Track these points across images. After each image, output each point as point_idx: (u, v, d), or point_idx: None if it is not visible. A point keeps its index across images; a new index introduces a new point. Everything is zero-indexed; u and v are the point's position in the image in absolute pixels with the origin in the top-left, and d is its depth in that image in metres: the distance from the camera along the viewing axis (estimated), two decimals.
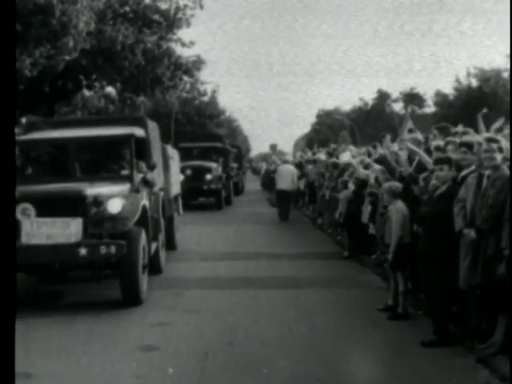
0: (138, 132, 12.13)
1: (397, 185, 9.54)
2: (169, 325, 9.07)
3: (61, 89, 33.86)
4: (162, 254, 13.17)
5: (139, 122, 12.78)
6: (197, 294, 11.10)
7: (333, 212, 16.21)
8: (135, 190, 11.16)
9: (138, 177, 11.52)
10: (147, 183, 11.93)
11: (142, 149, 12.16)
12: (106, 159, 12.57)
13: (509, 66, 45.37)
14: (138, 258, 10.18)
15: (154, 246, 11.89)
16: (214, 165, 29.95)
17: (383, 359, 7.53)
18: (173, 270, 13.20)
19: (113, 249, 9.65)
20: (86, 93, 37.72)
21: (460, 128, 10.31)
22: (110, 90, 39.09)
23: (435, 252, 7.87)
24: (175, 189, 16.53)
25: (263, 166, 50.23)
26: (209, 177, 28.93)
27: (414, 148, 9.79)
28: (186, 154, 29.57)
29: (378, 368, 7.25)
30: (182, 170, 27.29)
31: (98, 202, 10.08)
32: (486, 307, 7.26)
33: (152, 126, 13.45)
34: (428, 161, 9.19)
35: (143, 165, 11.99)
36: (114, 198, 10.13)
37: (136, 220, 10.43)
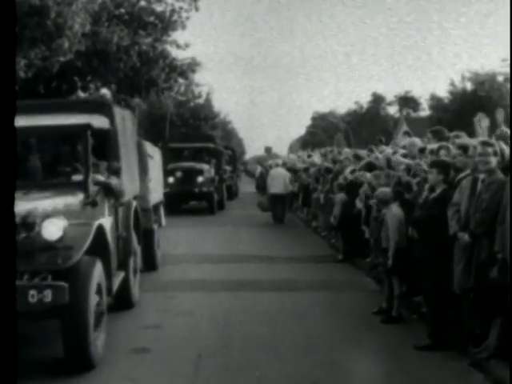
0: (99, 122, 8.97)
1: (385, 192, 9.50)
2: (162, 327, 9.05)
3: (55, 90, 33.79)
4: (135, 284, 10.47)
5: (101, 109, 9.44)
6: (190, 296, 11.07)
7: (327, 215, 16.21)
8: (90, 203, 8.09)
9: (95, 184, 8.49)
10: (110, 192, 8.95)
11: (105, 145, 9.28)
12: (54, 159, 9.48)
13: (503, 69, 45.53)
14: (87, 305, 7.15)
15: (119, 277, 9.17)
16: (205, 166, 28.34)
17: (377, 362, 7.53)
18: (166, 273, 13.19)
19: (48, 295, 6.71)
20: (81, 94, 37.66)
21: (454, 133, 10.32)
22: (104, 91, 39.09)
23: (430, 255, 7.88)
24: (156, 196, 13.90)
25: (258, 169, 50.18)
26: (200, 179, 27.44)
27: (405, 160, 9.80)
28: (176, 155, 28.68)
29: (372, 371, 7.26)
30: (172, 172, 26.70)
31: (29, 223, 6.96)
32: (479, 311, 7.26)
33: (121, 115, 10.24)
34: (421, 169, 9.17)
35: (105, 166, 9.16)
36: (52, 217, 7.01)
37: (87, 248, 7.30)
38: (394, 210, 9.18)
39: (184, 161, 28.72)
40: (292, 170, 25.61)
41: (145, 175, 12.43)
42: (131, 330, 8.89)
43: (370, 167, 12.12)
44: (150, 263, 13.10)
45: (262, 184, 38.41)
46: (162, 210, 15.27)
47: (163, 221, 15.27)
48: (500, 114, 9.82)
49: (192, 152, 30.17)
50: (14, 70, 3.73)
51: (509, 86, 39.06)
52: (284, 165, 26.99)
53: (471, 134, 10.16)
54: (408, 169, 10.06)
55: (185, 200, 28.48)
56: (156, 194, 13.91)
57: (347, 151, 19.00)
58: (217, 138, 35.51)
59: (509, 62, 32.40)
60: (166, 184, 24.30)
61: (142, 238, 11.56)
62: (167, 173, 25.37)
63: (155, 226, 13.55)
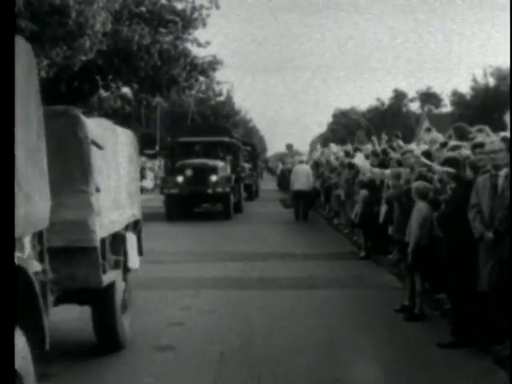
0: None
1: (426, 186, 9.34)
2: (185, 324, 9.06)
3: (77, 90, 33.99)
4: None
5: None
6: (212, 294, 11.09)
7: (349, 212, 16.17)
8: None
9: None
10: None
11: None
12: None
13: None
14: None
15: None
16: (220, 163, 24.92)
17: (400, 360, 7.50)
18: (187, 271, 13.21)
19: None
20: (103, 93, 37.83)
21: (476, 127, 10.19)
22: (126, 90, 39.23)
23: (454, 253, 7.83)
24: (116, 218, 7.59)
25: (279, 166, 50.11)
26: (214, 178, 23.87)
27: (427, 162, 9.70)
28: (186, 151, 26.02)
29: (394, 368, 7.23)
30: (181, 170, 23.94)
31: None
32: (502, 308, 7.21)
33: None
34: (439, 170, 9.08)
35: None
36: None
37: None
38: (421, 207, 9.10)
39: (195, 157, 25.51)
40: (316, 165, 25.42)
41: (82, 181, 6.58)
42: (155, 327, 8.91)
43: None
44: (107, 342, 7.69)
45: (283, 181, 38.32)
46: (133, 243, 8.34)
47: (134, 261, 8.36)
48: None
49: (205, 147, 26.63)
50: (14, 71, 3.73)
51: None
52: (309, 161, 26.69)
53: (495, 129, 10.02)
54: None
55: (196, 203, 25.71)
56: (116, 213, 7.62)
57: (369, 147, 18.91)
58: (231, 129, 32.05)
59: None
60: (174, 184, 23.56)
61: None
62: (176, 171, 24.31)
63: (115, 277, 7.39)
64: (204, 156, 25.70)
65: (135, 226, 8.83)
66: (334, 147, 24.52)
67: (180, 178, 23.82)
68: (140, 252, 8.96)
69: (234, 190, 25.12)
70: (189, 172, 23.90)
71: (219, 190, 23.85)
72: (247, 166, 34.50)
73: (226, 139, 26.90)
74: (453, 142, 9.79)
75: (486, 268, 7.24)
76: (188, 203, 24.71)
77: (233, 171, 25.99)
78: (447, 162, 8.14)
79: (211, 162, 24.76)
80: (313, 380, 6.94)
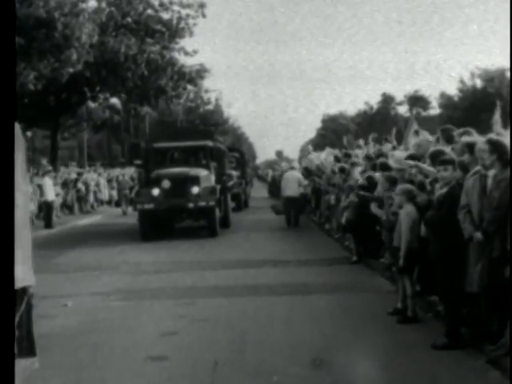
0: None
1: (412, 188, 9.38)
2: (178, 334, 9.06)
3: (65, 101, 34.02)
4: None
5: None
6: (206, 302, 11.09)
7: (340, 217, 16.19)
8: None
9: None
10: None
11: None
12: None
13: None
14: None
15: None
16: (203, 172, 21.56)
17: (394, 362, 7.51)
18: (181, 279, 13.21)
19: None
20: (91, 105, 37.88)
21: (461, 130, 10.24)
22: (114, 101, 39.30)
23: (444, 254, 7.86)
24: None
25: (269, 173, 50.10)
26: (196, 190, 20.58)
27: (412, 163, 9.75)
28: (163, 159, 22.98)
29: (389, 371, 7.24)
30: (157, 182, 20.70)
31: None
32: (495, 308, 7.24)
33: None
34: (430, 170, 9.13)
35: None
36: None
37: None
38: (409, 210, 9.14)
39: (173, 165, 22.37)
40: (307, 171, 25.33)
41: None
42: (148, 337, 8.90)
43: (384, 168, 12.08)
44: None
45: (274, 188, 38.29)
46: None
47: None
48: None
49: (184, 153, 23.43)
50: (15, 73, 3.74)
51: None
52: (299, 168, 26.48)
53: (483, 131, 10.06)
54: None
55: (175, 219, 22.03)
56: None
57: (358, 152, 18.97)
58: (214, 133, 27.59)
59: None
60: (149, 198, 20.25)
61: None
62: (151, 182, 21.05)
63: None
64: (183, 164, 22.30)
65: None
66: (323, 154, 24.52)
67: (156, 191, 20.51)
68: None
69: (219, 203, 21.59)
70: (166, 183, 20.56)
71: (202, 203, 20.44)
72: (235, 173, 30.96)
73: (209, 143, 22.94)
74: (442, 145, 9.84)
75: (476, 269, 7.28)
76: (165, 220, 21.27)
77: (218, 180, 22.56)
78: (444, 162, 8.14)
79: (192, 171, 21.30)
80: None
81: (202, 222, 21.62)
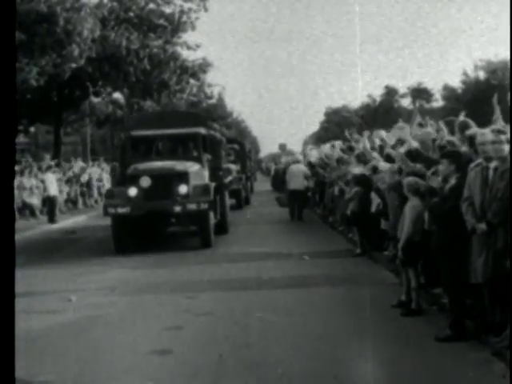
0: None
1: (420, 183, 9.36)
2: (182, 328, 9.06)
3: (68, 97, 34.05)
4: None
5: None
6: (209, 296, 11.09)
7: (344, 209, 16.16)
8: None
9: None
10: None
11: None
12: None
13: None
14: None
15: None
16: (193, 167, 17.21)
17: (398, 355, 7.50)
18: (184, 273, 13.20)
19: None
20: (94, 100, 37.89)
21: (461, 117, 10.22)
22: (117, 95, 39.31)
23: (448, 245, 7.85)
24: None
25: (272, 167, 50.04)
26: (184, 189, 16.28)
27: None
28: (143, 150, 18.41)
29: (393, 363, 7.24)
30: (134, 179, 16.31)
31: None
32: (499, 300, 7.23)
33: None
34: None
35: None
36: None
37: None
38: (414, 203, 9.11)
39: (157, 158, 17.78)
40: (310, 165, 25.23)
41: None
42: (152, 332, 8.91)
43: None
44: None
45: (277, 182, 38.13)
46: None
47: None
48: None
49: (171, 143, 18.57)
50: (15, 71, 3.73)
51: None
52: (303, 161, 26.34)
53: (486, 124, 10.02)
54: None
55: (158, 226, 17.69)
56: None
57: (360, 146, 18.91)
58: (209, 118, 22.62)
59: None
60: (124, 199, 16.11)
61: None
62: (127, 180, 16.74)
63: None
64: (169, 156, 17.66)
65: None
66: (326, 147, 24.41)
67: (132, 191, 16.19)
68: None
69: (214, 205, 17.13)
70: (145, 181, 16.23)
71: (192, 206, 16.11)
72: (234, 167, 26.49)
73: (202, 131, 18.30)
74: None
75: (479, 260, 7.27)
76: (145, 228, 17.11)
77: (213, 177, 18.21)
78: (448, 155, 8.13)
79: (179, 166, 16.85)
80: (312, 378, 6.95)
81: (193, 228, 17.39)
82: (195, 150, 18.20)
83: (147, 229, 17.24)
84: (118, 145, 19.57)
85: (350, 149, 18.40)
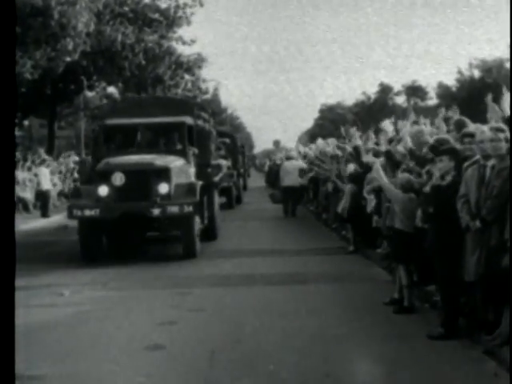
0: None
1: (412, 180, 9.34)
2: (175, 323, 9.05)
3: (62, 90, 33.94)
4: None
5: None
6: (202, 292, 11.08)
7: (336, 206, 16.16)
8: None
9: None
10: None
11: None
12: None
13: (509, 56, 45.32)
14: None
15: None
16: (176, 162, 14.67)
17: (390, 352, 7.51)
18: (180, 269, 13.18)
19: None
20: (88, 94, 37.80)
21: (450, 113, 10.24)
22: (112, 90, 39.25)
23: (442, 243, 7.85)
24: None
25: (266, 163, 50.02)
26: (164, 188, 13.80)
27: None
28: (117, 142, 16.01)
29: (385, 361, 7.24)
30: (105, 176, 13.82)
31: None
32: (491, 298, 7.24)
33: None
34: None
35: None
36: None
37: None
38: (406, 198, 9.11)
39: (134, 152, 15.11)
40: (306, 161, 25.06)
41: None
42: (145, 327, 8.89)
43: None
44: None
45: (271, 178, 38.07)
46: None
47: None
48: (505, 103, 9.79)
49: (151, 134, 16.01)
50: (14, 68, 3.72)
51: None
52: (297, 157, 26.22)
53: (481, 122, 10.04)
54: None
55: (132, 232, 15.18)
56: None
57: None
58: (195, 104, 19.13)
59: None
60: (93, 200, 13.74)
61: None
62: (97, 176, 14.17)
63: None
64: (149, 149, 15.14)
65: None
66: (321, 142, 24.36)
67: (103, 190, 13.75)
68: None
69: (201, 207, 14.98)
70: (118, 178, 13.73)
71: (173, 209, 13.62)
72: (225, 163, 22.91)
73: (188, 120, 15.72)
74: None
75: (472, 258, 7.28)
76: (118, 233, 14.91)
77: (200, 174, 15.78)
78: (446, 152, 8.12)
79: (159, 160, 14.29)
80: (305, 375, 6.94)
81: (175, 233, 14.89)
82: (180, 142, 15.63)
83: (121, 234, 15.03)
84: (91, 136, 17.17)
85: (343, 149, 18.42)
